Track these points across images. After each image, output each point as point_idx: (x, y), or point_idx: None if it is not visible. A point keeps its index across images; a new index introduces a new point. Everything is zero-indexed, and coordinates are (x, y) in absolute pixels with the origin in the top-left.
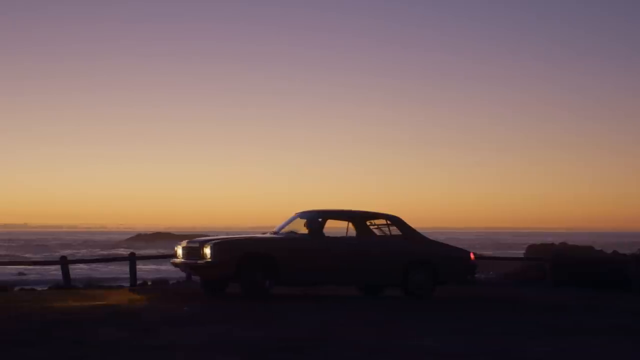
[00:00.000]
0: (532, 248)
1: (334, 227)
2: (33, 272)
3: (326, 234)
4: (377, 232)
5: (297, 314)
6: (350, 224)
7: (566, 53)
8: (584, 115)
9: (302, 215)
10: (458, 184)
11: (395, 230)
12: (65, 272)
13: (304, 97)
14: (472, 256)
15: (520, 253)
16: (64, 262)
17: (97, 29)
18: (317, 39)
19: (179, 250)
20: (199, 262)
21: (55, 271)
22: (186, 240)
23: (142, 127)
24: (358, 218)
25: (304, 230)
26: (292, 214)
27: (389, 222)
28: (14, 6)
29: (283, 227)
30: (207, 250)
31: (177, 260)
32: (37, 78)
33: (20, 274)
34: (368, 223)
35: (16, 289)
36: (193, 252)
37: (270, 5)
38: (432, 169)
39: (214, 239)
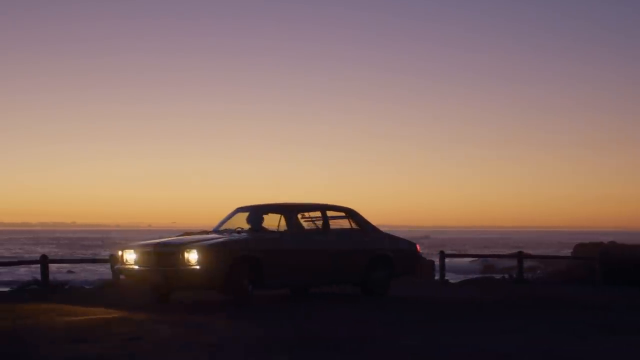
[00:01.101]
0: (580, 247)
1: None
2: (83, 271)
3: (300, 230)
4: (336, 226)
5: (330, 313)
6: (302, 217)
7: (595, 50)
8: (634, 111)
9: (244, 210)
10: (506, 183)
11: (352, 224)
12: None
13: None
14: (418, 248)
15: (568, 252)
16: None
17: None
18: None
19: (130, 256)
20: (182, 268)
21: (103, 269)
22: (138, 244)
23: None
24: (320, 211)
25: (247, 226)
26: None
27: (345, 214)
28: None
29: (223, 223)
30: (192, 255)
31: (128, 267)
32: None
33: (70, 272)
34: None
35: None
36: (165, 257)
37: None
38: (477, 168)
39: (189, 242)
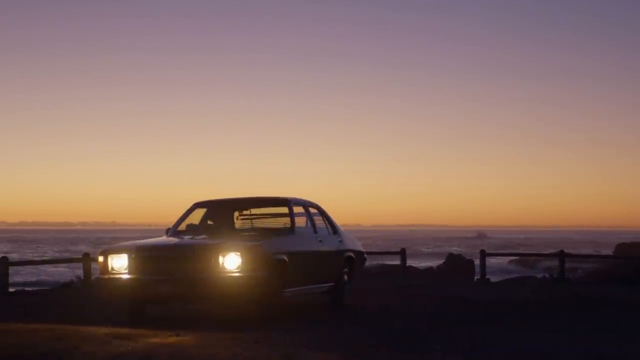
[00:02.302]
0: (622, 247)
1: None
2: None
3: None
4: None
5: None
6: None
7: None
8: None
9: (203, 205)
10: (542, 183)
11: (325, 221)
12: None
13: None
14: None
15: (608, 252)
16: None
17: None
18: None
19: (119, 262)
20: (217, 275)
21: None
22: (136, 246)
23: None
24: (302, 207)
25: (210, 223)
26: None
27: (318, 211)
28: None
29: (182, 220)
30: (231, 259)
31: (116, 276)
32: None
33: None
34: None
35: None
36: (187, 262)
37: None
38: (519, 167)
39: (217, 242)
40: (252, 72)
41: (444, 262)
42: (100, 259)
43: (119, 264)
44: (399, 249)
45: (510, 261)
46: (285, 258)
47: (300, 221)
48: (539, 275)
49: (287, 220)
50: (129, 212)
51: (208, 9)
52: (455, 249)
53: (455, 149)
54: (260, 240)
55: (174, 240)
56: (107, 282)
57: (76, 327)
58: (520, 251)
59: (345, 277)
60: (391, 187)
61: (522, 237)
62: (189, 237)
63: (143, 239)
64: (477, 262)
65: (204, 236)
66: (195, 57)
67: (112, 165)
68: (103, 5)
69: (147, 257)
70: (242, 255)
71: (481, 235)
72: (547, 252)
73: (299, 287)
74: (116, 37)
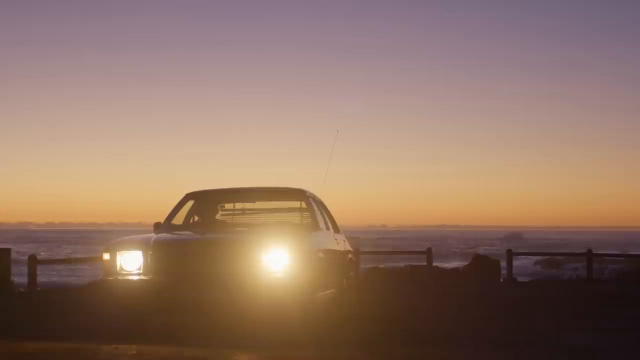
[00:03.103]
0: None
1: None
2: None
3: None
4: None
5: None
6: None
7: None
8: None
9: (196, 196)
10: (575, 182)
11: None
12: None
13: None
14: None
15: (637, 252)
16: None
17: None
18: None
19: (132, 258)
20: (265, 276)
21: None
22: (157, 239)
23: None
24: (311, 199)
25: (208, 217)
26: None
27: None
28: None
29: (174, 214)
30: (279, 255)
31: (127, 278)
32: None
33: None
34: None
35: None
36: (224, 258)
37: None
38: (556, 167)
39: (253, 238)
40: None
41: (469, 263)
42: (106, 256)
43: (132, 262)
44: (425, 249)
45: (536, 262)
46: (322, 256)
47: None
48: (566, 277)
49: (297, 215)
50: (157, 211)
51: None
52: (484, 249)
53: (488, 150)
54: (304, 234)
55: (197, 234)
56: (115, 285)
57: (99, 346)
58: (548, 251)
59: (345, 281)
60: (421, 187)
61: (553, 237)
62: (199, 233)
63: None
64: (503, 263)
65: (226, 230)
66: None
67: (141, 165)
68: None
69: (170, 254)
70: (289, 252)
71: (512, 236)
72: (574, 252)
73: (324, 291)
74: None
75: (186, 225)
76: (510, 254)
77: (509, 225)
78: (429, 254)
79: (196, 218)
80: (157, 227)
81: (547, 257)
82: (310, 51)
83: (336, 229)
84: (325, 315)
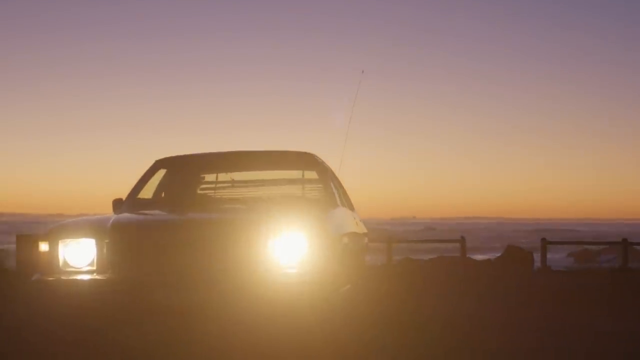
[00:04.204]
0: None
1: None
2: None
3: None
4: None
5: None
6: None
7: None
8: None
9: (168, 163)
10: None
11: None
12: None
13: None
14: None
15: None
16: None
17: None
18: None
19: (84, 251)
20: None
21: None
22: (123, 220)
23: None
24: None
25: (189, 190)
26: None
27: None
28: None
29: (141, 187)
30: (289, 242)
31: (76, 278)
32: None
33: None
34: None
35: None
36: (195, 250)
37: None
38: (583, 159)
39: (253, 218)
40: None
41: (502, 254)
42: (44, 246)
43: (81, 255)
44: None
45: (569, 255)
46: (347, 242)
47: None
48: (600, 268)
49: (306, 188)
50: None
51: None
52: (516, 241)
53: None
54: (325, 213)
55: (173, 214)
56: (56, 287)
57: None
58: (582, 240)
59: (363, 272)
60: (451, 178)
61: (585, 230)
62: (176, 212)
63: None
64: (536, 255)
65: (213, 208)
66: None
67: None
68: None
69: (135, 242)
70: (309, 237)
71: (543, 228)
72: (609, 241)
73: (345, 285)
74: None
75: (157, 202)
76: (545, 243)
77: (540, 218)
78: (462, 242)
79: (170, 193)
80: (118, 205)
81: (580, 249)
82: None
83: (350, 206)
84: (350, 317)
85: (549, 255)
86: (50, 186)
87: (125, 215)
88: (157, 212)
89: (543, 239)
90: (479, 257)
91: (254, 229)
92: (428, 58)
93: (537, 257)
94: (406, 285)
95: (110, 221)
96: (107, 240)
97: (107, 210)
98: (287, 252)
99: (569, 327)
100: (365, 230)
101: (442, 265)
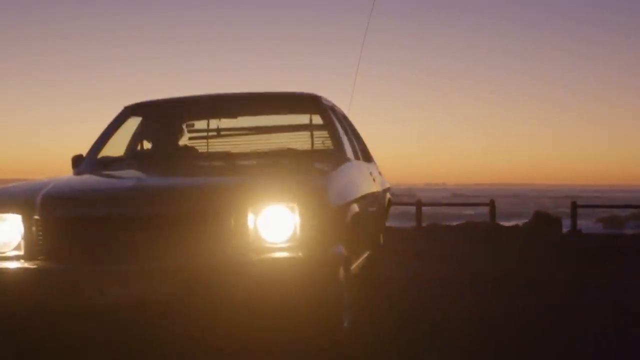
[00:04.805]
0: None
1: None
2: None
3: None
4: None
5: None
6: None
7: None
8: None
9: (141, 110)
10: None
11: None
12: None
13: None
14: None
15: None
16: None
17: None
18: None
19: (6, 230)
20: (260, 255)
21: None
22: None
23: None
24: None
25: (149, 147)
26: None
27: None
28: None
29: (105, 139)
30: (277, 217)
31: (7, 267)
32: None
33: None
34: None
35: None
36: (156, 229)
37: None
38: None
39: (230, 184)
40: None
41: (530, 220)
42: None
43: (3, 235)
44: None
45: (598, 221)
46: (358, 209)
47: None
48: (630, 233)
49: (309, 138)
50: None
51: None
52: (545, 207)
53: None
54: (327, 172)
55: (123, 178)
56: None
57: None
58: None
59: (382, 236)
60: (482, 144)
61: (615, 196)
62: (145, 174)
63: None
64: (564, 222)
65: (187, 168)
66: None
67: None
68: None
69: (72, 219)
70: (302, 208)
71: (574, 196)
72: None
73: (358, 259)
74: None
75: (123, 160)
76: (575, 206)
77: (571, 184)
78: (491, 206)
79: (145, 146)
80: (77, 163)
81: (608, 215)
82: None
83: (367, 157)
84: (364, 301)
85: (579, 221)
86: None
87: (70, 179)
88: (119, 173)
89: (573, 202)
90: (507, 223)
91: (227, 200)
92: (467, 21)
93: (565, 223)
94: (439, 248)
95: (44, 190)
96: (36, 216)
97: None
98: (273, 229)
99: (600, 284)
100: (386, 185)
101: (471, 230)
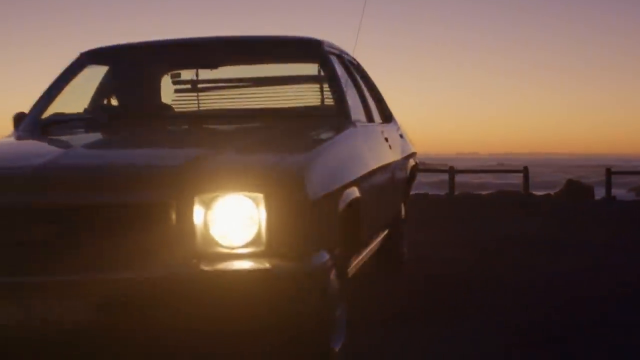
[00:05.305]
0: None
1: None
2: None
3: None
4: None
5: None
6: None
7: None
8: None
9: (103, 57)
10: None
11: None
12: None
13: None
14: None
15: None
16: None
17: None
18: None
19: None
20: (210, 267)
21: None
22: None
23: None
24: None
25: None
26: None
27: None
28: None
29: (55, 92)
30: (231, 215)
31: None
32: None
33: None
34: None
35: None
36: (61, 229)
37: None
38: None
39: (163, 168)
40: None
41: (562, 189)
42: None
43: None
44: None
45: (631, 190)
46: (358, 192)
47: None
48: None
49: (310, 91)
50: None
51: None
52: (577, 176)
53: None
54: (303, 152)
55: (43, 151)
56: None
57: None
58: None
59: (404, 210)
60: (514, 114)
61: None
62: (86, 145)
63: None
64: (597, 190)
65: (126, 142)
66: None
67: None
68: None
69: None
70: (268, 202)
71: (608, 165)
72: None
73: (365, 249)
74: None
75: (78, 119)
76: (609, 173)
77: (605, 153)
78: (525, 173)
79: (113, 102)
80: (18, 123)
81: None
82: None
83: (385, 116)
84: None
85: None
86: None
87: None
88: (50, 141)
89: (608, 169)
90: (540, 192)
91: (165, 190)
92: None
93: (598, 192)
94: (470, 215)
95: None
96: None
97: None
98: (229, 231)
99: (633, 244)
100: (409, 151)
101: (505, 197)
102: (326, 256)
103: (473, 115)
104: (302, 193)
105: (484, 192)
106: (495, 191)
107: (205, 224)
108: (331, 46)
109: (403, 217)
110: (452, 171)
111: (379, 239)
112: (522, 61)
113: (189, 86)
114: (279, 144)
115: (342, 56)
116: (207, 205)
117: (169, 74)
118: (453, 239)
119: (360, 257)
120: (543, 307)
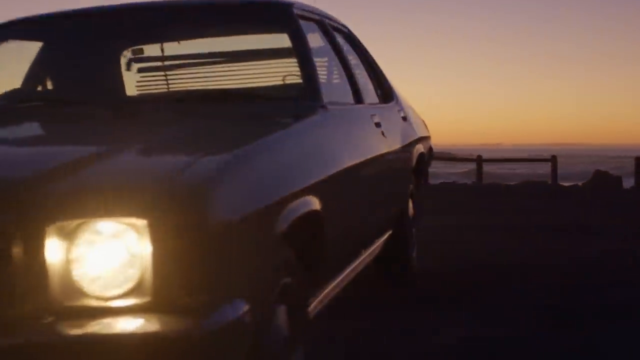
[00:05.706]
0: None
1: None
2: None
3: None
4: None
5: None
6: None
7: None
8: None
9: (32, 29)
10: None
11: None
12: None
13: None
14: None
15: None
16: None
17: None
18: None
19: None
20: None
21: None
22: None
23: None
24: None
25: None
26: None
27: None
28: None
29: None
30: (99, 254)
31: None
32: None
33: None
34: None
35: None
36: None
37: None
38: None
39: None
40: None
41: (589, 179)
42: None
43: None
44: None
45: None
46: (319, 205)
47: (321, 66)
48: None
49: (285, 65)
50: None
51: None
52: (604, 167)
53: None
54: (216, 156)
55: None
56: None
57: None
58: None
59: (411, 206)
60: (538, 104)
61: None
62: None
63: None
64: (626, 180)
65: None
66: None
67: None
68: None
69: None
70: (156, 232)
71: (633, 154)
72: None
73: (339, 273)
74: None
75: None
76: (639, 161)
77: (630, 143)
78: (553, 161)
79: (49, 85)
80: None
81: None
82: None
83: (384, 95)
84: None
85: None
86: None
87: None
88: None
89: (637, 157)
90: (567, 183)
91: (6, 215)
92: None
93: (627, 183)
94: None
95: None
96: None
97: None
98: (99, 274)
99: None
100: (416, 135)
101: (532, 187)
102: (243, 306)
103: (497, 106)
104: (206, 216)
105: (511, 183)
106: (523, 181)
107: (66, 264)
108: (306, 9)
109: (411, 215)
110: (479, 160)
111: (374, 246)
112: (548, 52)
113: (151, 65)
114: (194, 142)
115: (323, 22)
116: (66, 236)
117: (130, 49)
118: (488, 223)
119: (330, 287)
120: (574, 290)
